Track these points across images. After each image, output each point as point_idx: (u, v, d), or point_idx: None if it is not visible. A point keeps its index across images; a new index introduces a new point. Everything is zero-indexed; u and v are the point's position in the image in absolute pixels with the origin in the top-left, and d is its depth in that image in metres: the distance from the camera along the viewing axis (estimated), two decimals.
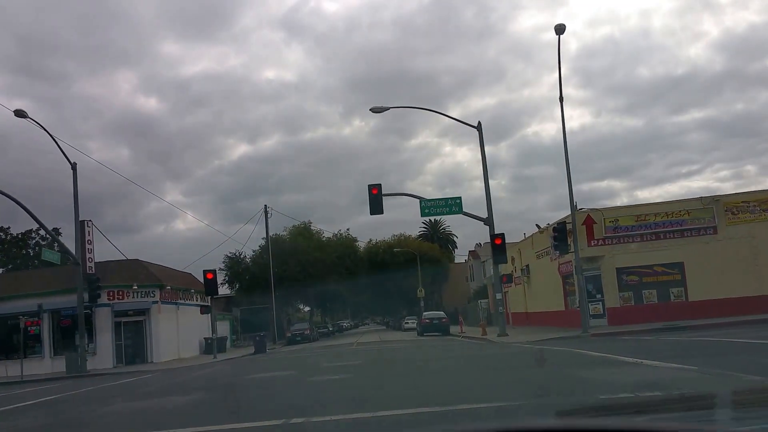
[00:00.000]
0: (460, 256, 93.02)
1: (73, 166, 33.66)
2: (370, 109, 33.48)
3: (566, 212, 29.73)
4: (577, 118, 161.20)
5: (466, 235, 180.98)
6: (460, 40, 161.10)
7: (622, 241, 31.36)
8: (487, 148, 32.85)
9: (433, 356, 23.15)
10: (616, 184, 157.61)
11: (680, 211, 30.90)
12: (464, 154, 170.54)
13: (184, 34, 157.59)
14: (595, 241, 31.56)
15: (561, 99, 29.14)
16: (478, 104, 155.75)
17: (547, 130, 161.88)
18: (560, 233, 28.94)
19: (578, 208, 30.09)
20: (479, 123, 33.15)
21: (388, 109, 33.59)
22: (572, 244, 28.79)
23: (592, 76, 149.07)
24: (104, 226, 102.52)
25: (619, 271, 31.30)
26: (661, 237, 30.97)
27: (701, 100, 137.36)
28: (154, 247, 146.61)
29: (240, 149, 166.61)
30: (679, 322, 27.25)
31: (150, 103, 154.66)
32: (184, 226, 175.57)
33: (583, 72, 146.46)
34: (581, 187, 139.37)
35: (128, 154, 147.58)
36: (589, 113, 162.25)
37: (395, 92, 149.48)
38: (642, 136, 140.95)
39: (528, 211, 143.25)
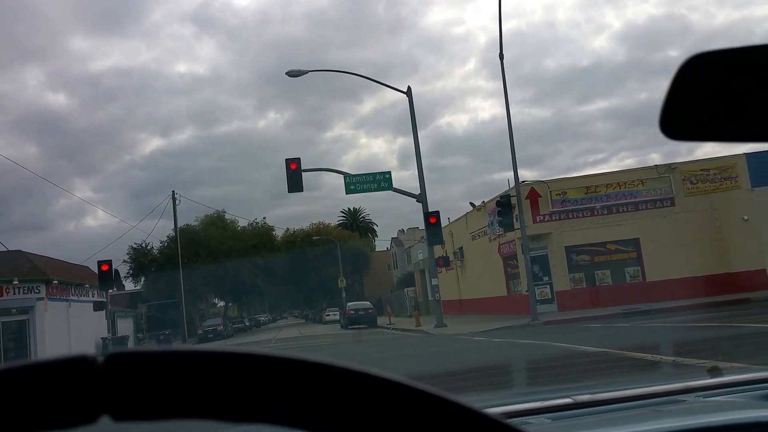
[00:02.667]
0: (382, 242, 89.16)
1: None
2: (286, 73, 28.57)
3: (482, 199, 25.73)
4: (488, 109, 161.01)
5: (387, 223, 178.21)
6: (372, 34, 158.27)
7: (570, 216, 27.52)
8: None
9: (375, 354, 18.49)
10: (527, 173, 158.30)
11: (634, 181, 27.31)
12: (380, 146, 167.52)
13: (94, 29, 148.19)
14: (541, 217, 27.64)
15: (503, 69, 25.18)
16: (392, 97, 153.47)
17: (459, 120, 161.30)
18: (505, 208, 24.83)
19: (521, 181, 26.10)
20: (409, 88, 28.86)
21: (306, 72, 28.81)
22: (516, 221, 24.75)
23: (500, 68, 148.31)
24: (10, 225, 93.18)
25: (569, 249, 27.47)
26: (614, 211, 27.32)
27: (606, 90, 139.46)
28: (63, 244, 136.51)
29: (152, 143, 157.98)
30: (638, 306, 23.72)
31: (59, 99, 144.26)
32: (95, 223, 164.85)
33: (492, 64, 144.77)
34: (493, 177, 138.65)
35: (36, 150, 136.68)
36: (499, 104, 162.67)
37: (309, 85, 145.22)
38: (551, 127, 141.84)
39: (444, 200, 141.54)
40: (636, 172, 28.21)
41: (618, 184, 27.36)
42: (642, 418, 1.63)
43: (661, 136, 0.93)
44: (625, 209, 27.32)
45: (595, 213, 27.41)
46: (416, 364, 14.70)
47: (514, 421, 1.70)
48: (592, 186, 27.55)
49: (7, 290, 33.14)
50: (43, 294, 34.14)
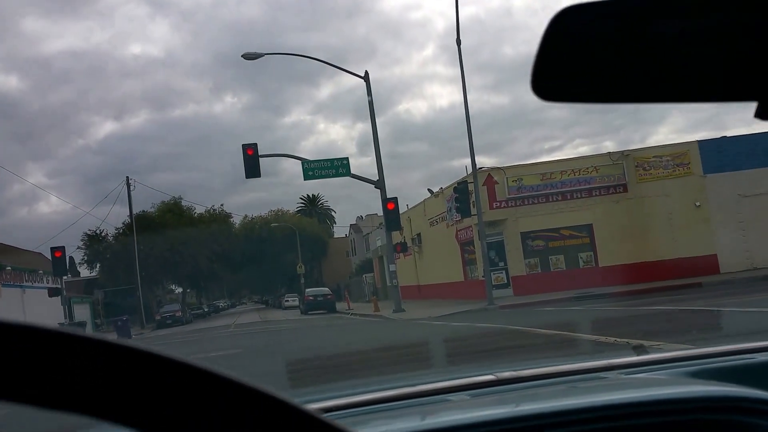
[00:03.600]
0: (340, 229, 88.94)
1: None
2: (242, 56, 28.10)
3: (440, 186, 25.76)
4: (447, 95, 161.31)
5: (345, 210, 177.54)
6: (329, 17, 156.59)
7: (526, 203, 27.79)
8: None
9: (335, 339, 18.46)
10: (485, 160, 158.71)
11: (588, 168, 27.66)
12: (338, 132, 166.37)
13: (46, 9, 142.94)
14: (498, 203, 27.85)
15: (460, 56, 25.22)
16: (349, 82, 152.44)
17: (418, 107, 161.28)
18: (462, 194, 25.00)
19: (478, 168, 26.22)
20: (366, 73, 28.64)
21: (262, 55, 28.41)
22: (474, 207, 24.93)
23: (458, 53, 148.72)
24: None
25: (524, 235, 27.78)
26: (568, 197, 27.66)
27: None
28: (16, 231, 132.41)
29: (106, 127, 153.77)
30: (591, 290, 24.12)
31: (10, 82, 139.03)
32: (48, 209, 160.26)
33: (451, 50, 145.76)
34: (452, 164, 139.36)
35: None
36: (457, 91, 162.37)
37: (267, 69, 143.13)
38: (508, 113, 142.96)
39: (404, 187, 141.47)
40: (590, 159, 28.58)
41: (573, 171, 27.71)
42: (561, 393, 1.63)
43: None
44: (579, 195, 27.68)
45: (550, 199, 27.74)
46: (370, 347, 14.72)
47: (434, 398, 1.67)
48: (548, 173, 27.84)
49: None
50: None
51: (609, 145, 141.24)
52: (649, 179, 27.48)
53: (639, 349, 2.08)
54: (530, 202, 27.81)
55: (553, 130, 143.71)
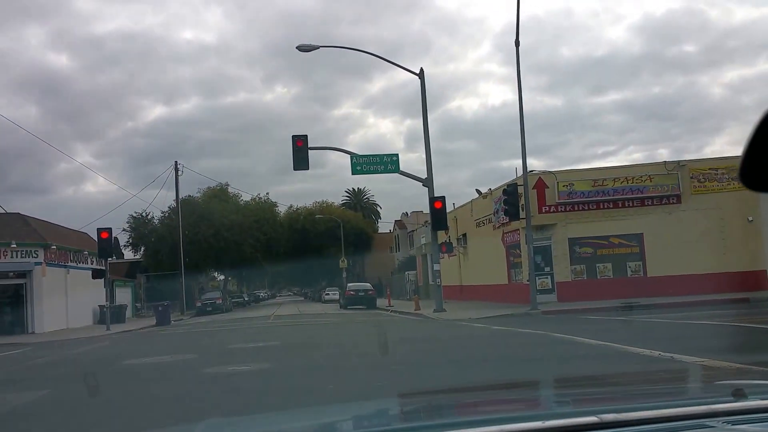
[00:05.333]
0: (385, 224, 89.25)
1: None
2: (297, 47, 28.42)
3: (489, 186, 25.62)
4: (499, 95, 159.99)
5: (390, 206, 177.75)
6: (385, 10, 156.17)
7: (576, 209, 27.63)
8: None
9: (375, 337, 18.71)
10: (535, 162, 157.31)
11: (642, 177, 27.32)
12: (387, 126, 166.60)
13: None
14: (547, 208, 27.76)
15: (517, 43, 25.23)
16: (402, 77, 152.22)
17: (469, 105, 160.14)
18: (511, 197, 24.99)
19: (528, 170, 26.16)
20: (421, 70, 28.75)
21: (317, 48, 28.68)
22: (522, 210, 24.92)
23: (515, 53, 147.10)
24: (9, 186, 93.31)
25: (572, 241, 27.65)
26: (620, 205, 27.41)
27: (619, 82, 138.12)
28: (62, 209, 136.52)
29: (155, 111, 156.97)
30: (637, 300, 23.92)
31: (61, 60, 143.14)
32: (95, 189, 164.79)
33: (506, 49, 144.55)
34: (500, 164, 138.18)
35: (36, 112, 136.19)
36: (510, 91, 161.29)
37: (319, 60, 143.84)
38: (561, 116, 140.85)
39: (450, 185, 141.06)
40: (644, 168, 28.23)
41: (626, 178, 27.42)
42: None
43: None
44: (631, 204, 27.42)
45: (602, 206, 27.53)
46: (411, 348, 14.88)
47: None
48: (600, 179, 27.62)
49: (5, 253, 32.87)
50: (41, 259, 33.83)
51: (663, 153, 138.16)
52: (703, 191, 27.07)
53: (738, 394, 2.03)
54: (580, 208, 27.64)
55: (607, 135, 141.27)
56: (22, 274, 33.48)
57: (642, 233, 27.24)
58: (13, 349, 22.27)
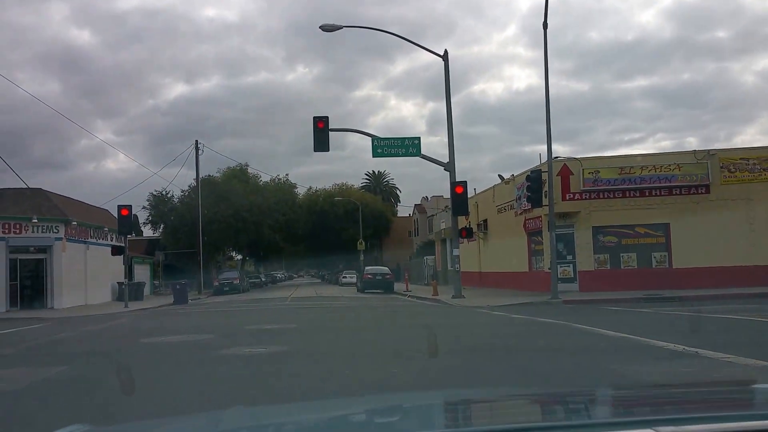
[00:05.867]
0: (404, 208, 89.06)
1: None
2: (320, 27, 28.11)
3: (511, 172, 25.18)
4: (524, 78, 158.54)
5: (410, 189, 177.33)
6: None
7: (601, 197, 27.19)
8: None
9: (392, 322, 18.58)
10: (559, 148, 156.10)
11: (670, 165, 26.78)
12: (409, 110, 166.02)
13: None
14: (571, 195, 27.36)
15: (545, 25, 24.75)
16: (425, 59, 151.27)
17: (494, 89, 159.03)
18: (535, 183, 24.59)
19: (553, 156, 25.76)
20: (445, 52, 28.33)
21: (340, 28, 28.31)
22: (546, 197, 24.57)
23: (542, 36, 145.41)
24: (30, 161, 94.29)
25: (596, 230, 27.25)
26: (647, 194, 26.92)
27: (648, 67, 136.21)
28: (82, 185, 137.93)
29: (176, 89, 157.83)
30: (661, 292, 23.59)
31: (83, 36, 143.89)
32: (115, 166, 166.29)
33: (533, 31, 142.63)
34: (523, 150, 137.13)
35: (58, 87, 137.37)
36: (536, 74, 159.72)
37: (341, 40, 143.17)
38: (587, 101, 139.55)
39: (472, 170, 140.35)
40: (673, 156, 27.69)
41: (654, 167, 26.90)
42: None
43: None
44: (658, 193, 26.93)
45: (627, 195, 27.07)
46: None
47: None
48: (627, 167, 27.13)
49: (26, 228, 33.04)
50: (61, 234, 33.97)
51: (692, 142, 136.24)
52: (734, 181, 26.51)
53: None
54: (606, 196, 27.20)
55: (634, 122, 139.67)
56: (43, 250, 33.66)
57: (668, 223, 26.77)
58: (33, 324, 22.44)
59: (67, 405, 7.65)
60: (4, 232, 32.30)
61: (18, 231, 32.88)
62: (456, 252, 28.13)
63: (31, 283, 33.56)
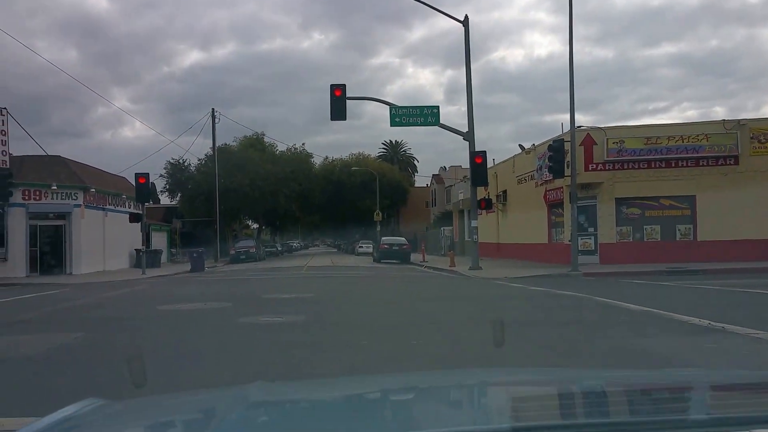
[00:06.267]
0: (421, 178, 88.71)
1: None
2: None
3: (532, 142, 24.75)
4: (546, 45, 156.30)
5: (427, 159, 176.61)
6: None
7: (625, 167, 26.71)
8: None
9: (409, 292, 18.39)
10: (581, 117, 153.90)
11: (698, 135, 26.17)
12: (427, 78, 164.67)
13: None
14: (594, 166, 26.90)
15: (570, 4, 24.14)
16: (444, 25, 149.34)
17: (513, 56, 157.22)
18: (557, 153, 24.15)
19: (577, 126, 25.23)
20: (466, 17, 27.78)
21: None
22: (568, 168, 24.16)
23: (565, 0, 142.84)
24: (48, 129, 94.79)
25: (619, 201, 26.82)
26: (673, 165, 26.39)
27: (675, 34, 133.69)
28: (100, 153, 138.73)
29: (192, 56, 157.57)
30: (685, 265, 23.23)
31: (100, 3, 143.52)
32: (132, 134, 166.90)
33: None
34: (544, 119, 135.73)
35: (76, 55, 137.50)
36: (558, 41, 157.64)
37: (357, 5, 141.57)
38: (611, 69, 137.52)
39: (490, 140, 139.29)
40: (701, 126, 27.04)
41: (681, 137, 26.30)
42: None
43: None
44: (685, 164, 26.39)
45: (653, 165, 26.56)
46: (451, 307, 14.51)
47: None
48: (653, 137, 26.55)
49: (45, 195, 33.33)
50: (80, 201, 34.29)
51: (719, 111, 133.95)
52: (764, 152, 25.87)
53: None
54: (630, 167, 26.71)
55: (659, 91, 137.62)
56: (62, 216, 33.96)
57: (695, 195, 26.28)
58: (51, 289, 22.56)
59: (84, 372, 7.57)
60: (23, 199, 32.61)
61: (37, 198, 33.24)
62: (474, 223, 27.89)
63: (50, 249, 33.95)
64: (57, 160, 36.15)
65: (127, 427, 1.89)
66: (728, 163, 26.14)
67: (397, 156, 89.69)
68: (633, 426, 1.44)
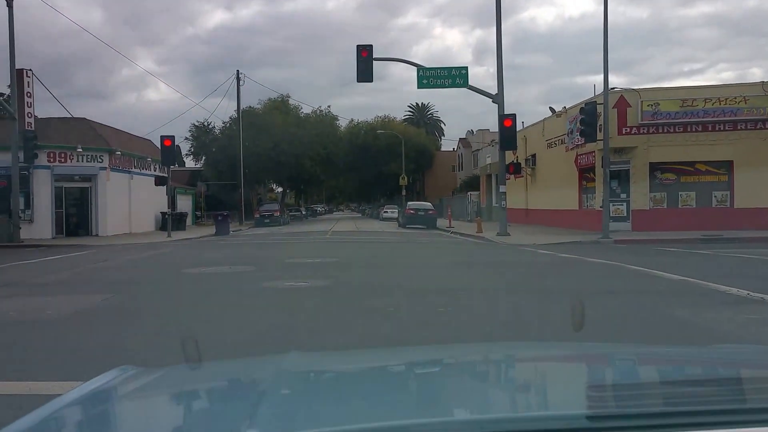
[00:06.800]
0: (448, 142, 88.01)
1: (9, 2, 27.98)
2: None
3: (562, 104, 24.06)
4: (578, 3, 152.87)
5: (454, 122, 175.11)
6: None
7: (660, 131, 26.10)
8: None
9: (435, 258, 18.23)
10: (613, 79, 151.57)
11: (736, 98, 25.44)
12: (455, 38, 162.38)
13: None
14: (627, 129, 26.33)
15: None
16: None
17: (544, 16, 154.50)
18: (589, 116, 23.64)
19: (610, 87, 24.64)
20: None
21: None
22: (600, 131, 23.67)
23: None
24: (74, 90, 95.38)
25: (653, 166, 26.28)
26: (710, 128, 25.74)
27: None
28: (124, 116, 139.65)
29: (216, 17, 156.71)
30: (720, 233, 22.78)
31: None
32: (156, 96, 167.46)
33: None
34: (575, 81, 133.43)
35: (101, 15, 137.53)
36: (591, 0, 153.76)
37: None
38: (645, 29, 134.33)
39: (519, 102, 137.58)
40: (739, 88, 26.25)
41: (718, 99, 25.58)
42: None
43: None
44: (722, 128, 25.72)
45: (689, 129, 25.92)
46: (481, 275, 14.37)
47: None
48: (689, 99, 25.86)
49: (71, 157, 33.60)
50: (106, 164, 34.54)
51: (756, 73, 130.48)
52: None
53: None
54: (665, 131, 26.09)
55: (695, 51, 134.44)
56: (87, 178, 34.30)
57: (732, 161, 25.67)
58: (78, 251, 22.83)
59: (112, 334, 7.58)
60: (49, 161, 32.96)
61: (63, 160, 33.54)
62: (502, 188, 27.55)
63: (76, 212, 34.42)
64: (82, 122, 36.35)
65: (167, 396, 1.88)
66: (767, 127, 25.41)
67: (423, 119, 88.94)
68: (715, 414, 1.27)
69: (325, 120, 64.66)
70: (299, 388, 1.80)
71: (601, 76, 23.08)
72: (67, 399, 1.65)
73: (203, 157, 59.73)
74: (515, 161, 31.35)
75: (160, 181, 33.82)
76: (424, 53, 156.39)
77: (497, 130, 27.25)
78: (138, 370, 2.03)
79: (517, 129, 28.79)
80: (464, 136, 74.00)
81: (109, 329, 7.92)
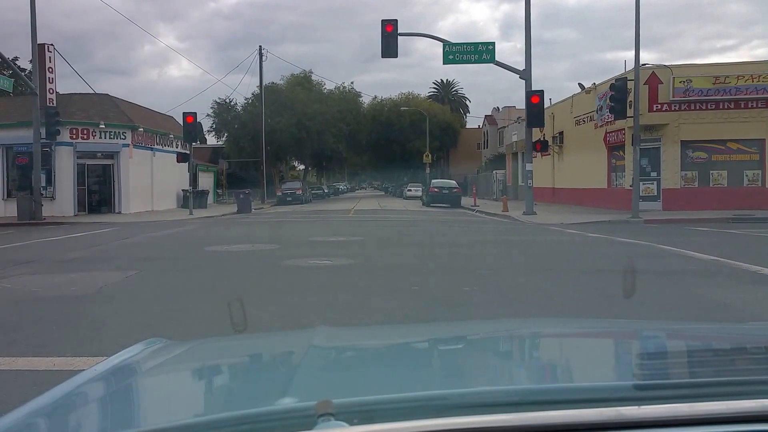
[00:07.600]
0: (473, 120, 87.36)
1: None
2: None
3: (591, 81, 23.75)
4: None
5: (479, 99, 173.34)
6: None
7: (692, 108, 25.71)
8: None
9: (460, 237, 18.16)
10: (644, 55, 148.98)
11: None
12: (482, 12, 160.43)
13: None
14: (658, 106, 25.96)
15: None
16: None
17: None
18: (619, 92, 23.31)
19: (641, 64, 24.24)
20: None
21: None
22: (630, 108, 23.35)
23: None
24: (96, 66, 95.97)
25: (684, 144, 25.94)
26: (742, 106, 25.32)
27: None
28: (146, 92, 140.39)
29: None
30: (753, 212, 22.50)
31: None
32: (178, 73, 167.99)
33: None
34: (604, 56, 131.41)
35: None
36: None
37: None
38: (676, 4, 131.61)
39: (546, 78, 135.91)
40: None
41: (752, 76, 25.11)
42: None
43: None
44: (755, 105, 25.30)
45: (721, 107, 25.51)
46: (517, 259, 14.32)
47: None
48: (722, 76, 25.40)
49: (93, 134, 33.86)
50: (128, 141, 34.78)
51: None
52: None
53: None
54: (697, 108, 25.71)
55: (728, 27, 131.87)
56: (110, 155, 34.58)
57: (764, 139, 25.32)
58: (101, 228, 23.10)
59: (137, 311, 7.68)
60: (71, 138, 33.19)
61: (85, 136, 33.76)
62: (529, 166, 27.38)
63: (99, 189, 34.74)
64: (105, 98, 36.54)
65: (196, 368, 1.88)
66: None
67: (448, 96, 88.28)
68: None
69: (348, 96, 64.39)
70: (331, 359, 1.81)
71: (631, 52, 22.82)
72: (93, 372, 1.66)
73: (225, 134, 59.81)
74: (542, 139, 31.04)
75: (182, 158, 34.00)
76: (450, 28, 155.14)
77: (524, 107, 27.00)
78: (166, 343, 2.04)
79: (545, 106, 28.49)
80: (489, 113, 73.40)
81: (133, 306, 8.04)
